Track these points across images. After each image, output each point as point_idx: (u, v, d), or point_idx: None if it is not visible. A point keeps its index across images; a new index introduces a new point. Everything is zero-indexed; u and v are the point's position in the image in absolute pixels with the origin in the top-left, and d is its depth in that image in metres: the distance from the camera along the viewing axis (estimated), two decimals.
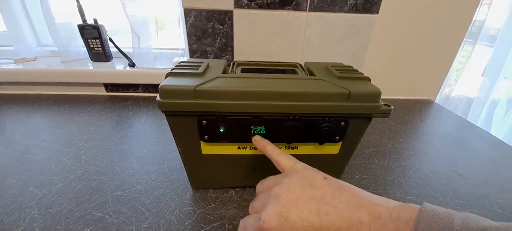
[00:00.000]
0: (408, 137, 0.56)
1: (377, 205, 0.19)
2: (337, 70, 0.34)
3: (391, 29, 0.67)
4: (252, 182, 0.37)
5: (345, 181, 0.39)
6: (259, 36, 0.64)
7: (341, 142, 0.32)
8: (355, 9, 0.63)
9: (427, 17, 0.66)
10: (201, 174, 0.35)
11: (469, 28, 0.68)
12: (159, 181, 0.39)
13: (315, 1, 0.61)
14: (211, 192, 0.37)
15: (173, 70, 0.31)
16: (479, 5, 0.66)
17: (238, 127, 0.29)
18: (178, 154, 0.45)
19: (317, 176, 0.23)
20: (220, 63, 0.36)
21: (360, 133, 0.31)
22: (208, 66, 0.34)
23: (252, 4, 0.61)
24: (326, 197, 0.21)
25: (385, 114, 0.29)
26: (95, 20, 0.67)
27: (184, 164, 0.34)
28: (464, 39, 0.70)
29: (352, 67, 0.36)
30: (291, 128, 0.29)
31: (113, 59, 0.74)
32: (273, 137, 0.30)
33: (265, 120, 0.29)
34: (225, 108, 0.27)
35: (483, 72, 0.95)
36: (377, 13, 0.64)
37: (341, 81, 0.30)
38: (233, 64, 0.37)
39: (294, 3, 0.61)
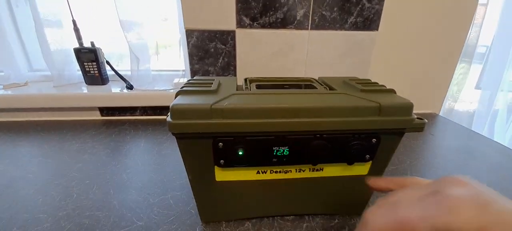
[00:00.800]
0: (423, 152, 0.53)
1: None
2: (357, 83, 0.32)
3: (392, 45, 0.67)
4: (270, 210, 0.33)
5: (370, 203, 0.37)
6: (262, 55, 0.63)
7: (371, 162, 0.29)
8: (355, 26, 0.63)
9: (425, 34, 0.67)
10: (213, 205, 0.31)
11: (465, 43, 0.70)
12: (163, 215, 0.34)
13: (316, 20, 0.62)
14: (224, 225, 0.33)
15: (183, 88, 0.28)
16: (471, 26, 0.68)
17: (259, 149, 0.26)
18: (183, 181, 0.41)
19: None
20: (232, 80, 0.33)
21: (392, 150, 0.28)
22: (220, 83, 0.31)
23: (255, 24, 0.60)
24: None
25: (419, 128, 0.26)
26: (92, 43, 0.65)
27: (194, 194, 0.30)
28: (460, 58, 0.71)
29: (370, 80, 0.34)
30: (318, 148, 0.26)
31: (110, 83, 0.71)
32: (297, 158, 0.27)
33: (289, 140, 0.25)
34: (245, 128, 0.24)
35: (476, 85, 0.97)
36: (377, 30, 0.64)
37: (365, 95, 0.28)
38: (246, 80, 0.35)
39: (295, 22, 0.61)
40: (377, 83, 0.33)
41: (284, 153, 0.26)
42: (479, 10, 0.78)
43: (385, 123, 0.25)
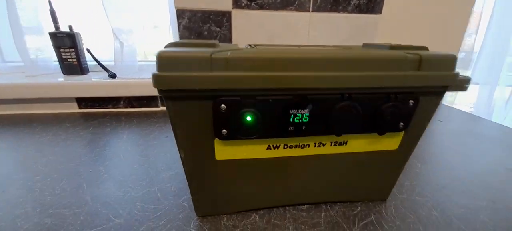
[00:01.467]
0: (437, 137, 0.50)
1: None
2: (381, 45, 0.27)
3: (395, 30, 0.64)
4: (282, 199, 0.27)
5: (395, 189, 0.32)
6: (260, 39, 0.58)
7: (403, 132, 0.24)
8: (359, 9, 0.60)
9: (427, 19, 0.65)
10: (212, 193, 0.25)
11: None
12: (148, 210, 0.28)
13: (318, 1, 0.58)
14: (225, 219, 0.26)
15: (174, 42, 0.22)
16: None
17: (272, 113, 0.20)
18: (174, 172, 0.34)
19: None
20: (232, 44, 0.28)
21: (428, 117, 0.24)
22: (219, 44, 0.26)
23: (252, 4, 0.55)
24: None
25: (463, 86, 0.22)
26: (70, 27, 0.58)
27: (188, 178, 0.24)
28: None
29: (391, 43, 0.30)
30: (345, 110, 0.21)
31: (90, 73, 0.64)
32: (319, 126, 0.21)
33: (310, 100, 0.20)
34: (254, 84, 0.19)
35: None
36: (380, 13, 0.61)
37: (398, 50, 0.23)
38: (249, 45, 0.30)
39: (296, 3, 0.57)
40: (401, 44, 0.28)
41: (303, 119, 0.21)
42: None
43: (427, 78, 0.21)
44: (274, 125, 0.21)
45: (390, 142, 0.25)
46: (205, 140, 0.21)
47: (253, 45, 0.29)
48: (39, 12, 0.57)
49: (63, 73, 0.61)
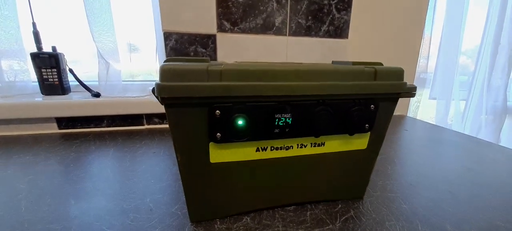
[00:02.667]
0: (403, 143, 0.56)
1: None
2: (346, 62, 0.32)
3: (361, 51, 0.73)
4: (270, 201, 0.30)
5: (370, 188, 0.36)
6: (243, 59, 0.63)
7: (369, 134, 0.28)
8: (329, 34, 0.68)
9: (386, 44, 0.75)
10: (206, 197, 0.27)
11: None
12: (141, 220, 0.28)
13: (293, 27, 0.65)
14: (218, 223, 0.28)
15: (171, 58, 0.25)
16: (419, 58, 0.80)
17: (260, 117, 0.23)
18: (165, 184, 0.36)
19: None
20: (219, 62, 0.32)
21: (387, 120, 0.28)
22: (209, 60, 0.29)
23: (235, 29, 0.61)
24: None
25: (411, 93, 0.27)
26: (54, 48, 0.58)
27: (184, 183, 0.25)
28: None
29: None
30: (321, 114, 0.24)
31: (71, 93, 0.63)
32: (300, 128, 0.25)
33: (292, 106, 0.24)
34: (245, 91, 0.22)
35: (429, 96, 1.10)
36: (347, 38, 0.70)
37: (359, 65, 0.28)
38: (236, 62, 0.33)
39: (274, 28, 0.64)
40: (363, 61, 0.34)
41: (287, 121, 0.24)
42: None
43: (382, 87, 0.26)
44: (261, 128, 0.24)
45: (360, 142, 0.29)
46: (201, 143, 0.24)
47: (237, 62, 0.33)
48: (21, 32, 0.57)
49: (42, 93, 0.60)
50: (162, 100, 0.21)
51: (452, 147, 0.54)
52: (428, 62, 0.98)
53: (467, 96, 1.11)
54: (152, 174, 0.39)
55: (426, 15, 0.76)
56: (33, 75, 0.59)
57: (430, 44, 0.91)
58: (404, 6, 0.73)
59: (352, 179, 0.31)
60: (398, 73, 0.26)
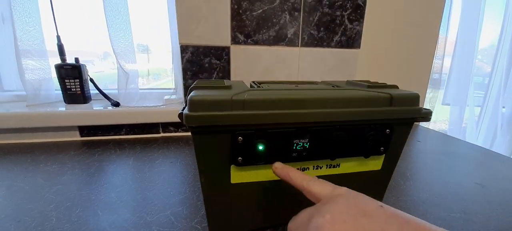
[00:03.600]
0: (415, 155, 0.56)
1: None
2: (360, 82, 0.33)
3: (372, 63, 0.73)
4: (288, 218, 0.31)
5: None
6: (256, 70, 0.65)
7: (384, 156, 0.29)
8: (340, 45, 0.69)
9: (399, 54, 0.75)
10: (226, 214, 0.28)
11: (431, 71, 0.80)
12: None
13: (305, 38, 0.66)
14: None
15: (195, 85, 0.27)
16: (434, 57, 0.79)
17: (279, 142, 0.25)
18: (184, 196, 0.37)
19: (371, 202, 0.18)
20: (241, 82, 0.33)
21: (402, 142, 0.29)
22: (231, 83, 0.30)
23: (249, 41, 0.62)
24: None
25: (427, 117, 0.28)
26: (77, 60, 0.62)
27: (205, 201, 0.27)
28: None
29: (369, 80, 0.36)
30: (337, 139, 0.26)
31: (92, 102, 0.67)
32: (317, 151, 0.26)
33: (309, 131, 0.25)
34: (266, 120, 0.23)
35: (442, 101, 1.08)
36: (359, 48, 0.70)
37: (374, 89, 0.29)
38: (254, 82, 0.35)
39: (287, 39, 0.65)
40: (377, 82, 0.34)
41: (305, 146, 0.25)
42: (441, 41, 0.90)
43: (397, 112, 0.26)
44: (280, 152, 0.25)
45: (375, 164, 0.30)
46: (223, 166, 0.25)
47: (257, 83, 0.34)
48: (45, 41, 0.60)
49: (66, 102, 0.63)
50: (190, 128, 0.22)
51: (465, 161, 0.54)
52: (443, 63, 0.96)
53: (482, 102, 1.09)
54: (170, 185, 0.41)
55: (441, 20, 0.76)
56: (56, 84, 0.62)
57: (445, 45, 0.90)
58: (417, 12, 0.73)
59: None
60: (414, 99, 0.27)
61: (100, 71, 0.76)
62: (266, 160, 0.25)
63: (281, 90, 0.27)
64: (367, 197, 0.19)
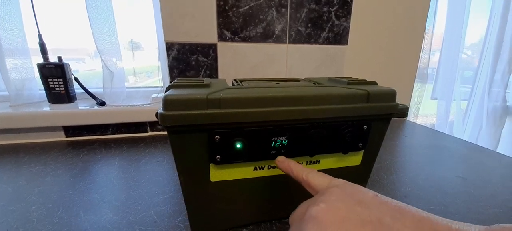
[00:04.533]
0: (401, 150, 0.57)
1: (456, 230, 0.15)
2: (342, 79, 0.33)
3: (360, 58, 0.74)
4: (270, 214, 0.31)
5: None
6: (243, 67, 0.64)
7: (363, 151, 0.30)
8: (328, 41, 0.69)
9: (387, 49, 0.76)
10: (207, 212, 0.28)
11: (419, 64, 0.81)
12: None
13: (293, 35, 0.66)
14: None
15: (173, 83, 0.26)
16: (421, 52, 0.80)
17: (257, 141, 0.25)
18: (168, 195, 0.37)
19: (366, 192, 0.18)
20: (222, 80, 0.33)
21: (381, 137, 0.30)
22: (210, 81, 0.30)
23: (236, 38, 0.62)
24: (385, 219, 0.16)
25: (403, 113, 0.28)
26: (60, 58, 0.60)
27: (186, 200, 0.27)
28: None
29: (351, 77, 0.37)
30: (315, 136, 0.26)
31: (77, 101, 0.65)
32: (296, 149, 0.26)
33: (287, 129, 0.25)
34: (243, 118, 0.23)
35: (431, 96, 1.10)
36: (346, 44, 0.71)
37: (353, 86, 0.29)
38: (235, 80, 0.35)
39: (274, 36, 0.64)
40: (358, 78, 0.35)
41: (283, 143, 0.25)
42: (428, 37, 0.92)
43: (374, 109, 0.27)
44: (259, 150, 0.25)
45: (354, 159, 0.30)
46: (201, 165, 0.25)
47: (238, 81, 0.34)
48: (27, 40, 0.58)
49: (49, 102, 0.62)
50: (166, 128, 0.22)
51: (450, 155, 0.55)
52: (429, 58, 0.97)
53: (469, 96, 1.11)
54: (155, 184, 0.40)
55: (427, 15, 0.76)
56: (39, 83, 0.61)
57: (431, 40, 0.91)
58: (404, 8, 0.74)
59: None
60: (390, 95, 0.28)
61: (91, 69, 0.75)
62: (244, 157, 0.25)
63: (260, 88, 0.27)
64: (363, 187, 0.19)
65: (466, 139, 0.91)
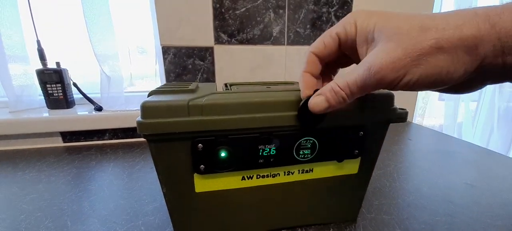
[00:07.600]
0: (405, 155, 0.54)
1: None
2: None
3: None
4: (259, 226, 0.29)
5: (364, 210, 0.35)
6: (241, 70, 0.63)
7: (360, 158, 0.28)
8: None
9: None
10: (193, 224, 0.27)
11: None
12: None
13: (291, 36, 0.64)
14: None
15: (156, 89, 0.25)
16: None
17: (243, 149, 0.23)
18: (158, 204, 0.36)
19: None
20: (211, 85, 0.32)
21: (379, 144, 0.28)
22: (198, 86, 0.29)
23: (233, 40, 0.61)
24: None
25: (402, 118, 0.26)
26: (58, 64, 0.60)
27: (170, 212, 0.26)
28: None
29: None
30: (306, 144, 0.24)
31: (76, 106, 0.65)
32: (285, 157, 0.25)
33: (276, 137, 0.24)
34: (226, 125, 0.22)
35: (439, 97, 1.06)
36: None
37: None
38: (226, 84, 0.33)
39: (272, 38, 0.63)
40: None
41: (271, 152, 0.24)
42: None
43: (370, 114, 0.25)
44: (245, 159, 0.24)
45: (351, 167, 0.28)
46: (185, 175, 0.24)
47: (228, 85, 0.33)
48: (26, 46, 0.59)
49: (48, 108, 0.62)
50: (144, 136, 0.21)
51: (457, 159, 0.52)
52: None
53: (479, 95, 1.06)
54: (146, 192, 0.39)
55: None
56: (39, 89, 0.61)
57: None
58: (406, 7, 0.71)
59: (343, 202, 0.31)
60: (388, 99, 0.26)
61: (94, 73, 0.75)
62: (230, 167, 0.24)
63: (247, 92, 0.25)
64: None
65: (476, 142, 0.87)
